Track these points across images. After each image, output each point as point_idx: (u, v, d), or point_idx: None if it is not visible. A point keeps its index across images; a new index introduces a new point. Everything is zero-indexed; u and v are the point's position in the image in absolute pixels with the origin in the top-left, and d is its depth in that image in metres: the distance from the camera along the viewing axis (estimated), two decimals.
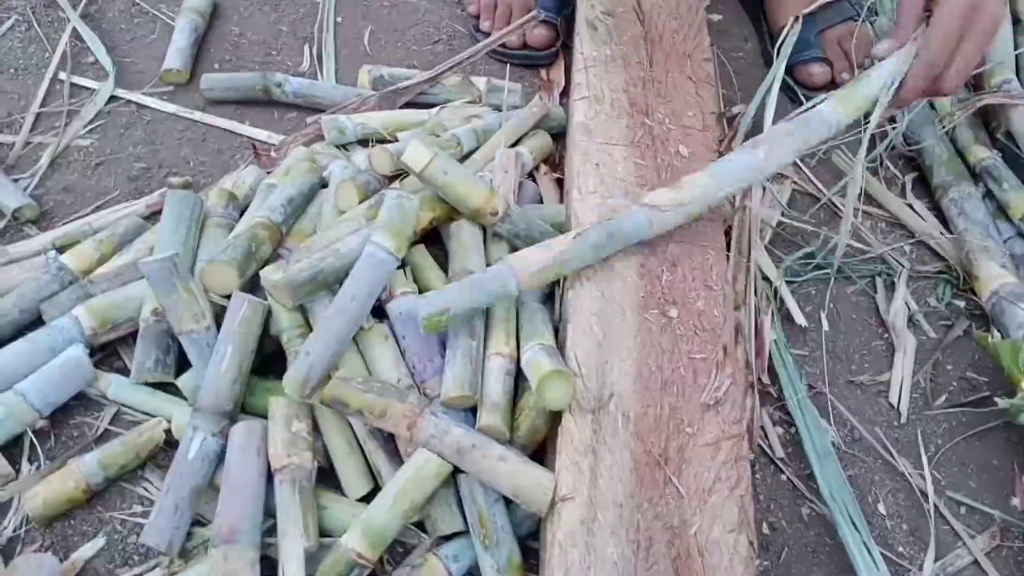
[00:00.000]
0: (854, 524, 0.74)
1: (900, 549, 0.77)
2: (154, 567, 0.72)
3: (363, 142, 1.02)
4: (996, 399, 0.79)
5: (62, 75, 1.09)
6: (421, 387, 0.75)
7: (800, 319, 0.90)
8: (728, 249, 0.85)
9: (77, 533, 0.74)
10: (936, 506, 0.79)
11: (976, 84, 1.11)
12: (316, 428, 0.75)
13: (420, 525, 0.72)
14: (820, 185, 1.05)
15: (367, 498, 0.73)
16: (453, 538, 0.71)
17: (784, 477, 0.81)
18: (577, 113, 0.95)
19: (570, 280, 0.80)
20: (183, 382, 0.78)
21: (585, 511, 0.65)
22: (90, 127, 1.05)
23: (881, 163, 1.08)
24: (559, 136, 1.06)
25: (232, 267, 0.77)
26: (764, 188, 0.95)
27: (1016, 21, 1.10)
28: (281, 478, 0.69)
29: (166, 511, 0.69)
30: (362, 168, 0.93)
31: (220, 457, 0.72)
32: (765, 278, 0.93)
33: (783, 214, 1.00)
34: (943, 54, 0.80)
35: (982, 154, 1.00)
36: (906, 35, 0.83)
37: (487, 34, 1.17)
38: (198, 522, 0.72)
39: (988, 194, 1.00)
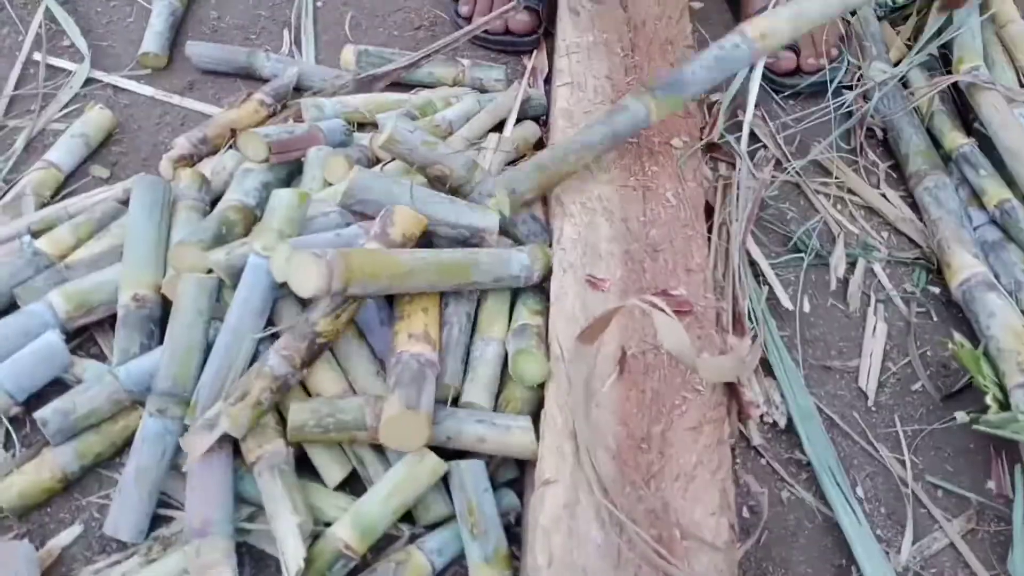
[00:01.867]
0: (837, 482, 0.77)
1: (878, 532, 0.77)
2: (131, 554, 0.71)
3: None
4: (955, 415, 0.80)
5: (37, 56, 1.07)
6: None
7: (787, 302, 0.91)
8: (710, 232, 0.86)
9: (54, 520, 0.73)
10: (913, 490, 0.80)
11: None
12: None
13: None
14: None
15: (344, 485, 0.73)
16: (434, 529, 0.71)
17: (764, 462, 0.81)
18: (559, 99, 0.95)
19: (555, 266, 0.80)
20: None
21: (568, 495, 0.65)
22: (66, 110, 1.04)
23: (861, 151, 1.08)
24: (541, 121, 1.05)
25: (200, 248, 0.76)
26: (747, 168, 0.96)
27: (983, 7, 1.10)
28: (259, 469, 0.69)
29: (126, 501, 0.69)
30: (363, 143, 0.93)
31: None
32: (752, 262, 0.93)
33: (763, 205, 1.00)
34: None
35: (960, 140, 1.01)
36: None
37: (468, 20, 1.17)
38: (170, 505, 0.72)
39: (963, 181, 1.01)
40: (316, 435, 0.71)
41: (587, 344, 0.71)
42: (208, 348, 0.73)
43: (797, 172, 1.02)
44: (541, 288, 0.81)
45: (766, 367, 0.85)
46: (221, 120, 0.97)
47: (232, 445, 0.70)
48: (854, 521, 0.75)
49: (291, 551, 0.65)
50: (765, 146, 1.06)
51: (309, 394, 0.75)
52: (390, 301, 0.77)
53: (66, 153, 0.96)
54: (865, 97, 1.10)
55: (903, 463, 0.82)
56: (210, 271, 0.76)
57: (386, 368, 0.74)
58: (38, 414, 0.71)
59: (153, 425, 0.70)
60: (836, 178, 1.04)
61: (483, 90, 1.08)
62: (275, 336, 0.72)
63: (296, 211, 0.76)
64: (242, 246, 0.76)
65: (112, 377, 0.72)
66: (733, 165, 0.99)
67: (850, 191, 1.05)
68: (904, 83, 1.12)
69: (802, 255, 0.96)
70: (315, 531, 0.68)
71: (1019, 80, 1.06)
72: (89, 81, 1.06)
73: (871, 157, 1.09)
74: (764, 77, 1.13)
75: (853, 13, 1.17)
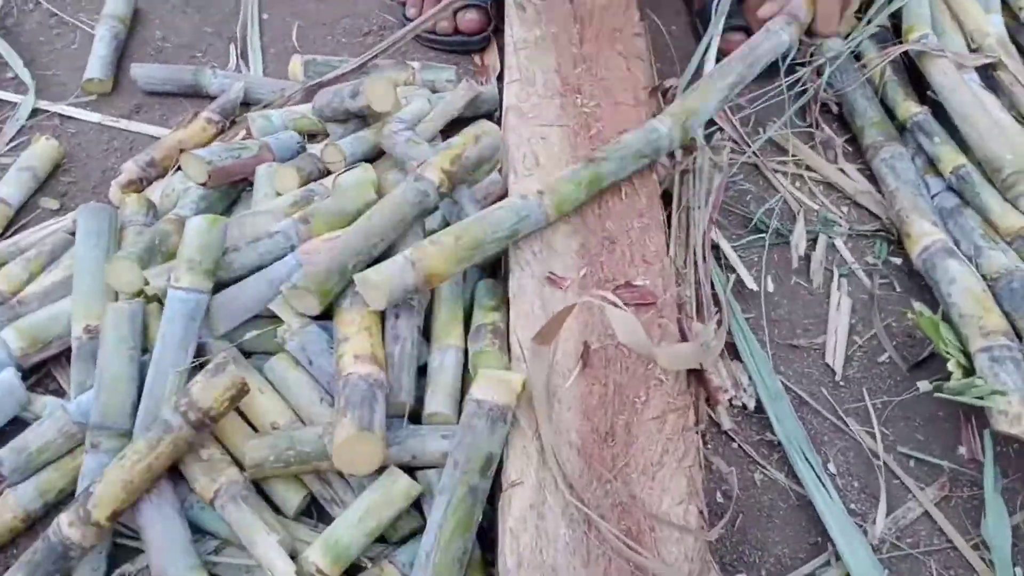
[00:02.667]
0: (807, 459, 0.77)
1: (852, 506, 0.77)
2: None
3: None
4: (917, 384, 0.81)
5: None
6: None
7: (751, 284, 0.91)
8: (669, 219, 0.86)
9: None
10: (885, 462, 0.80)
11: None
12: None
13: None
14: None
15: (305, 512, 0.73)
16: (407, 541, 0.71)
17: (735, 445, 0.81)
18: (509, 96, 0.95)
19: (511, 262, 0.79)
20: None
21: (534, 494, 0.65)
22: (13, 143, 1.02)
23: (816, 126, 1.08)
24: (494, 118, 1.05)
25: (132, 261, 0.75)
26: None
27: None
28: (220, 503, 0.68)
29: None
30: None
31: None
32: (714, 246, 0.93)
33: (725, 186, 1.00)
34: None
35: (914, 109, 1.01)
36: None
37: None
38: (132, 536, 0.71)
39: (918, 150, 1.01)
40: (277, 470, 0.69)
41: (544, 344, 0.71)
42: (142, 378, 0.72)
43: (755, 153, 1.02)
44: (494, 284, 0.81)
45: (733, 351, 0.85)
46: (169, 142, 0.96)
47: (173, 483, 0.69)
48: (827, 498, 0.76)
49: (280, 568, 0.64)
50: (721, 129, 1.05)
51: (252, 425, 0.74)
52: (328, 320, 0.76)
53: (15, 188, 0.95)
54: (818, 72, 1.10)
55: (873, 436, 0.82)
56: (146, 284, 0.75)
57: (332, 393, 0.73)
58: None
59: (91, 460, 0.69)
60: (793, 156, 1.04)
61: (434, 91, 1.08)
62: (201, 367, 0.71)
63: (209, 235, 0.74)
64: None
65: (63, 411, 0.71)
66: (688, 150, 0.99)
67: (808, 167, 1.05)
68: (856, 55, 1.12)
69: (763, 235, 0.96)
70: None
71: (968, 46, 1.07)
72: (35, 112, 1.05)
73: (827, 132, 1.08)
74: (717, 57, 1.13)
75: None
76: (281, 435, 0.70)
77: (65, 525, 0.65)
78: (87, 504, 0.65)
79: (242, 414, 0.74)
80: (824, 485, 0.76)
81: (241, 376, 0.68)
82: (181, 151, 0.96)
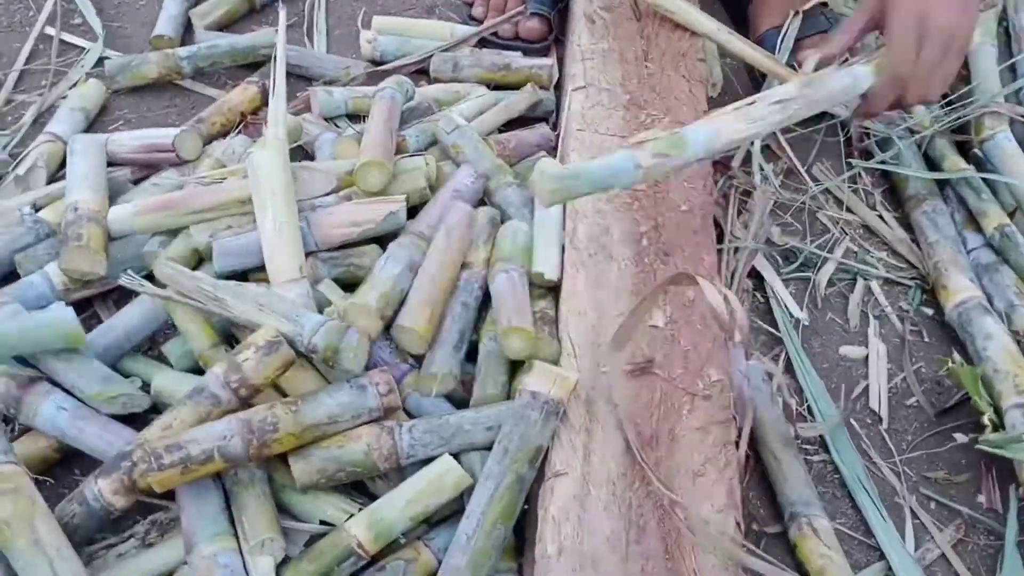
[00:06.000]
0: (864, 487, 0.80)
1: (871, 541, 0.79)
2: (128, 537, 0.71)
3: (352, 116, 1.01)
4: (954, 435, 0.85)
5: (50, 31, 1.06)
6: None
7: (797, 312, 0.93)
8: (719, 241, 0.87)
9: (54, 495, 0.72)
10: (908, 503, 0.82)
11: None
12: None
13: None
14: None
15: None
16: (442, 523, 0.71)
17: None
18: (574, 102, 0.97)
19: (567, 264, 0.81)
20: (168, 349, 0.79)
21: (578, 487, 0.66)
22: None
23: (858, 178, 1.10)
24: (550, 123, 1.07)
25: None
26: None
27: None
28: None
29: None
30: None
31: None
32: (758, 275, 0.95)
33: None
34: (902, 63, 0.84)
35: (961, 164, 1.03)
36: (851, 35, 0.89)
37: (480, 21, 1.18)
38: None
39: (959, 204, 1.03)
40: (326, 485, 0.70)
41: (619, 349, 0.72)
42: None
43: (813, 194, 1.05)
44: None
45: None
46: (216, 103, 0.99)
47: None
48: (886, 528, 0.79)
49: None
50: (772, 162, 1.08)
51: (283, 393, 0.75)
52: None
53: (67, 125, 0.96)
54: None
55: (898, 475, 0.83)
56: None
57: None
58: None
59: None
60: (846, 208, 1.06)
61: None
62: None
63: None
64: None
65: None
66: (731, 175, 1.01)
67: (849, 210, 1.07)
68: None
69: (806, 270, 0.98)
70: (325, 528, 0.68)
71: None
72: (100, 61, 1.06)
73: (867, 179, 1.11)
74: None
75: None
76: (329, 458, 0.68)
77: (108, 493, 0.66)
78: (131, 473, 0.66)
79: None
80: (883, 516, 0.79)
81: (292, 354, 0.70)
82: (242, 115, 0.99)
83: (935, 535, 0.80)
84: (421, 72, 1.09)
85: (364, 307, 0.74)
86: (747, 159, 1.04)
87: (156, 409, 0.74)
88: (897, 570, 0.76)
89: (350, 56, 1.11)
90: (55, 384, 0.74)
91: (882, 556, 0.78)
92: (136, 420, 0.74)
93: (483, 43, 1.16)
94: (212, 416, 0.68)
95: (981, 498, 0.83)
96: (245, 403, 0.70)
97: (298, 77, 1.06)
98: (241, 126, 0.99)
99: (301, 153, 0.95)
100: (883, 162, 1.08)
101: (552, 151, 0.98)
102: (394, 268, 0.78)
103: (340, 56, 1.12)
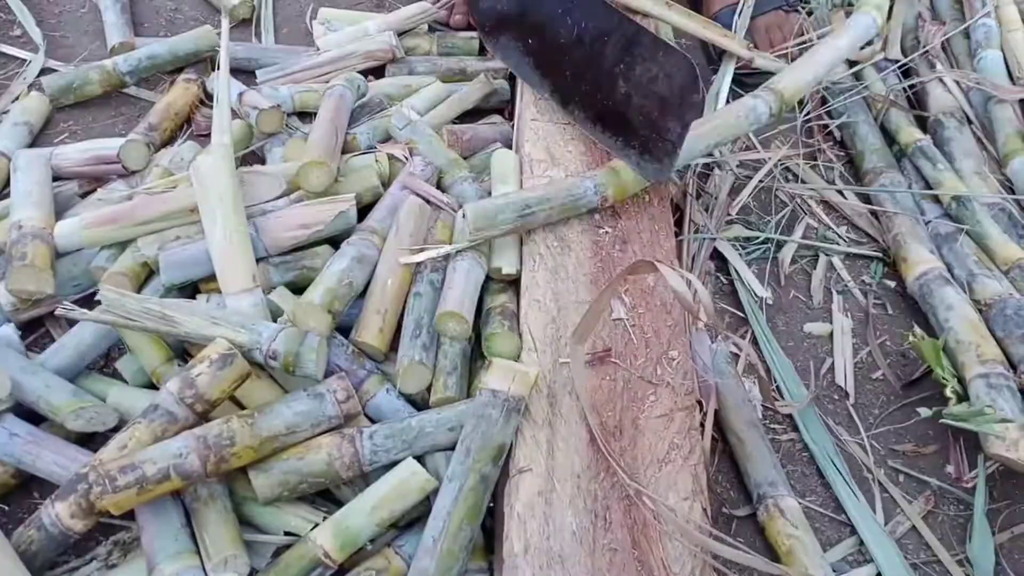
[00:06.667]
0: (834, 464, 0.81)
1: (842, 517, 0.79)
2: (91, 560, 0.69)
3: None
4: (918, 410, 0.85)
5: None
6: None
7: (760, 290, 0.92)
8: (677, 226, 0.87)
9: (12, 520, 0.71)
10: (876, 476, 0.82)
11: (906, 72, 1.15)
12: None
13: None
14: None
15: None
16: (411, 526, 0.70)
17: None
18: (527, 92, 0.95)
19: (525, 256, 0.80)
20: (122, 365, 0.77)
21: (543, 482, 0.65)
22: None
23: (818, 153, 1.10)
24: (506, 112, 1.06)
25: None
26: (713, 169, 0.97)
27: None
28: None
29: None
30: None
31: None
32: (720, 256, 0.95)
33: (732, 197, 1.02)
34: None
35: (916, 135, 1.03)
36: None
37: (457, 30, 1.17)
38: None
39: (917, 175, 1.03)
40: (289, 497, 0.69)
41: (582, 343, 0.71)
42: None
43: (773, 175, 1.04)
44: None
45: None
46: (160, 106, 0.97)
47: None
48: (856, 503, 0.79)
49: None
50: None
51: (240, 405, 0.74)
52: None
53: (11, 141, 0.94)
54: (823, 100, 1.12)
55: (865, 449, 0.83)
56: None
57: None
58: None
59: None
60: (802, 181, 1.06)
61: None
62: None
63: None
64: None
65: None
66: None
67: (811, 189, 1.07)
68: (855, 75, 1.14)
69: (766, 246, 0.98)
70: (291, 539, 0.67)
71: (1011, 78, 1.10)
72: (43, 71, 1.03)
73: (826, 153, 1.11)
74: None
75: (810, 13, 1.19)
76: (291, 470, 0.67)
77: (66, 516, 0.65)
78: (88, 496, 0.64)
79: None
80: (853, 491, 0.79)
81: (247, 365, 0.68)
82: (187, 119, 0.97)
83: (905, 508, 0.80)
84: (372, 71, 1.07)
85: (309, 305, 0.72)
86: None
87: (116, 429, 0.72)
88: (869, 544, 0.76)
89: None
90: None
91: (853, 531, 0.78)
92: (93, 441, 0.73)
93: (433, 30, 1.15)
94: (169, 433, 0.67)
95: (949, 468, 0.83)
96: (203, 418, 0.68)
97: (248, 73, 1.04)
98: (189, 130, 0.98)
99: (253, 158, 0.94)
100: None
101: (508, 143, 0.97)
102: (340, 263, 0.76)
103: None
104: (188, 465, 0.64)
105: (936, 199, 1.00)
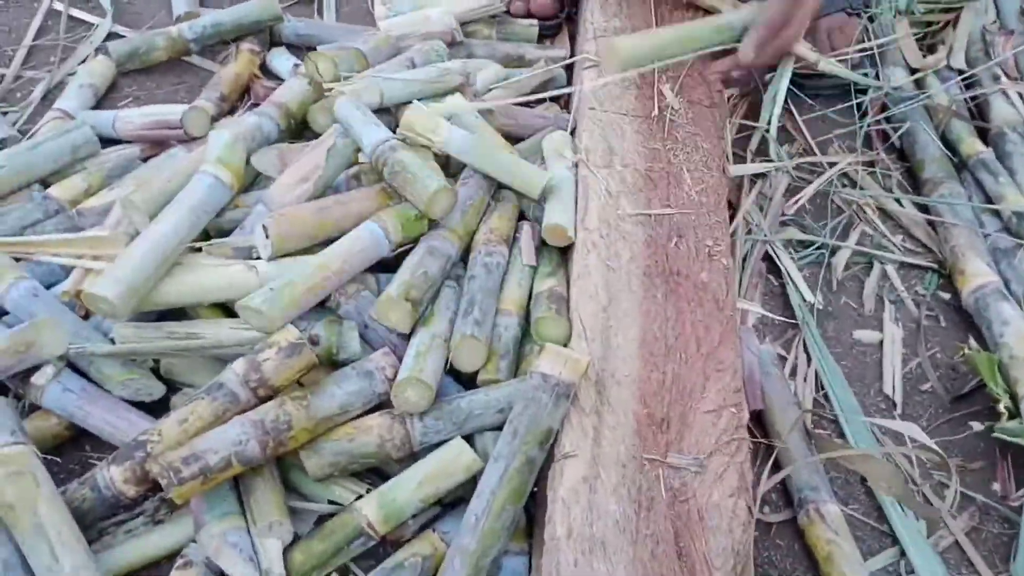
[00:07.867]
0: None
1: (884, 527, 0.78)
2: (138, 514, 0.71)
3: None
4: (970, 423, 0.84)
5: (58, 6, 1.06)
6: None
7: (810, 296, 0.91)
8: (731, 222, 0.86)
9: (64, 471, 0.72)
10: (920, 489, 0.81)
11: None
12: None
13: None
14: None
15: None
16: (454, 505, 0.71)
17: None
18: (587, 80, 0.95)
19: (578, 244, 0.80)
20: None
21: (588, 469, 0.65)
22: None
23: (878, 158, 1.09)
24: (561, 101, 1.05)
25: None
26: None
27: None
28: None
29: None
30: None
31: None
32: (775, 257, 0.94)
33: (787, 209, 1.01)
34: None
35: (979, 147, 1.01)
36: None
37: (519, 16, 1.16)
38: None
39: (977, 187, 1.01)
40: (339, 476, 0.69)
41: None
42: None
43: (831, 182, 1.03)
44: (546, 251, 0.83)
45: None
46: (227, 76, 0.97)
47: None
48: (899, 512, 0.78)
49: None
50: (788, 143, 1.06)
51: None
52: None
53: (76, 102, 0.95)
54: (883, 107, 1.11)
55: (911, 461, 0.82)
56: None
57: None
58: None
59: None
60: (860, 187, 1.04)
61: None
62: None
63: None
64: None
65: None
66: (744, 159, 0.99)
67: (868, 197, 1.05)
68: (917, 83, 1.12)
69: (821, 252, 0.97)
70: (334, 508, 0.68)
71: None
72: (110, 36, 1.05)
73: (885, 161, 1.09)
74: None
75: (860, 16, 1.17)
76: (341, 451, 0.68)
77: (120, 482, 0.66)
78: (143, 464, 0.65)
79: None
80: (901, 506, 0.78)
81: (313, 356, 0.69)
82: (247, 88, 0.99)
83: (949, 522, 0.79)
84: None
85: (388, 299, 0.73)
86: (763, 142, 1.03)
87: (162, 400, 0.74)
88: (911, 556, 0.75)
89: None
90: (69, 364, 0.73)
91: (895, 542, 0.77)
92: (143, 405, 0.74)
93: (493, 17, 1.15)
94: (229, 414, 0.68)
95: (996, 486, 0.82)
96: (262, 402, 0.69)
97: (310, 49, 1.05)
98: (250, 101, 0.99)
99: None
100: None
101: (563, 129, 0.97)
102: (413, 258, 0.77)
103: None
104: (249, 451, 0.65)
105: (996, 213, 0.98)
